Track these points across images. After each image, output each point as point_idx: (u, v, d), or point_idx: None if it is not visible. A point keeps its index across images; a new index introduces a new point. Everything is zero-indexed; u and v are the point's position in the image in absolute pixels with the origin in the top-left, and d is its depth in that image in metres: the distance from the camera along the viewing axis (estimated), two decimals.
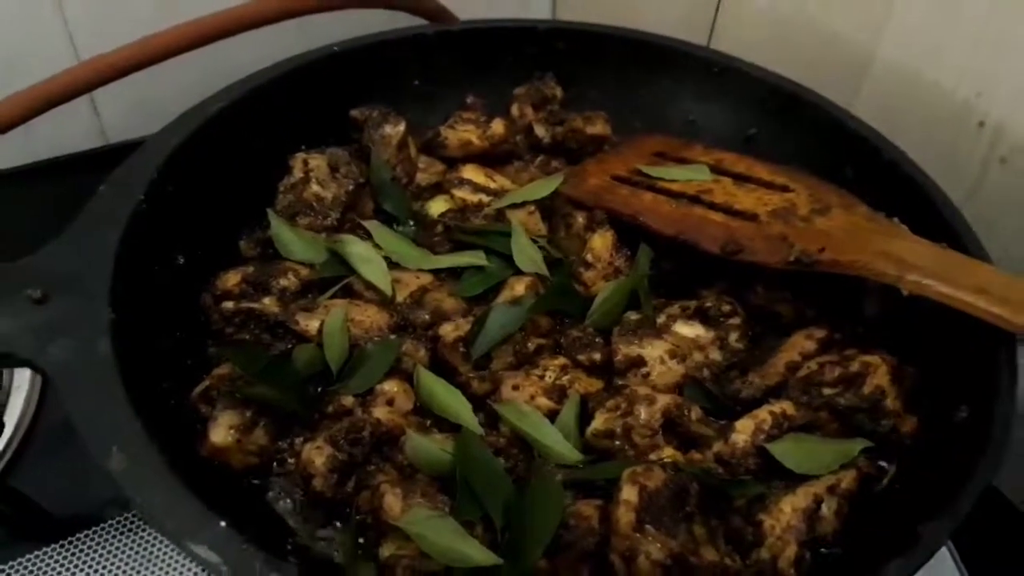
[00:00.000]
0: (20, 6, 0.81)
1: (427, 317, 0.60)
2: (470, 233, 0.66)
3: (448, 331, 0.59)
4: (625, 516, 0.48)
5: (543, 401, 0.56)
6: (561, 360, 0.59)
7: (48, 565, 0.60)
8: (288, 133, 0.70)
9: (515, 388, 0.56)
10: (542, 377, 0.57)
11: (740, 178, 0.68)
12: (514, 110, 0.77)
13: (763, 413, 0.55)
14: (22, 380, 0.69)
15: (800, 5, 0.82)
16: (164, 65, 0.77)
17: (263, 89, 0.69)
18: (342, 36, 0.76)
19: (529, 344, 0.59)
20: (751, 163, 0.69)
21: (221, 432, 0.52)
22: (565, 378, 0.58)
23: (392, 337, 0.59)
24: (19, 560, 0.60)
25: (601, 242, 0.65)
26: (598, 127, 0.76)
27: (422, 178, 0.73)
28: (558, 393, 0.57)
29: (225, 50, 0.79)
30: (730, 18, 0.89)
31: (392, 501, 0.49)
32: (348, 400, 0.55)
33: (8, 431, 0.66)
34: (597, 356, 0.59)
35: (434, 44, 0.78)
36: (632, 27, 0.80)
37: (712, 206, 0.66)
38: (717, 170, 0.69)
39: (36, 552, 0.60)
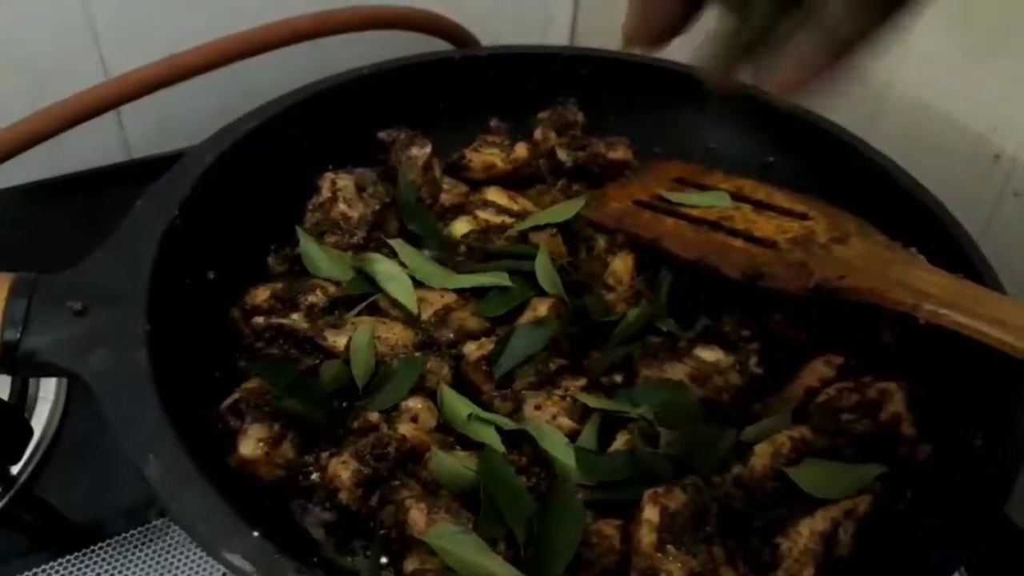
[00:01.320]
0: (52, 24, 0.83)
1: (451, 336, 0.61)
2: (493, 254, 0.67)
3: (472, 350, 0.60)
4: (646, 536, 0.49)
5: (565, 421, 0.57)
6: (582, 381, 0.60)
7: (71, 572, 0.60)
8: (316, 152, 0.71)
9: (537, 408, 0.57)
10: (564, 397, 0.58)
11: (760, 205, 0.69)
12: (537, 134, 0.79)
13: (782, 437, 0.56)
14: (48, 391, 0.70)
15: None
16: (188, 83, 0.79)
17: (294, 109, 0.70)
18: (365, 59, 0.77)
19: (551, 364, 0.60)
20: (771, 190, 0.70)
21: (250, 444, 0.53)
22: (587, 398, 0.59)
23: (417, 355, 0.60)
24: (41, 568, 0.60)
25: (622, 265, 0.66)
26: (620, 152, 0.77)
27: (446, 199, 0.74)
28: (579, 413, 0.58)
29: (249, 70, 0.81)
30: None
31: (417, 516, 0.50)
32: (374, 416, 0.56)
33: (34, 440, 0.67)
34: (619, 378, 0.60)
35: (460, 68, 0.79)
36: (652, 55, 0.82)
37: (732, 232, 0.67)
38: (737, 197, 0.70)
39: (57, 561, 0.61)
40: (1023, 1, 0.68)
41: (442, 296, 0.64)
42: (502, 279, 0.65)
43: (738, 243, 0.66)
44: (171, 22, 0.85)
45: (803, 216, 0.67)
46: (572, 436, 0.56)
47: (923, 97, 0.78)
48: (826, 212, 0.67)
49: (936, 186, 0.68)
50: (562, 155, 0.77)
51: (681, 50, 0.82)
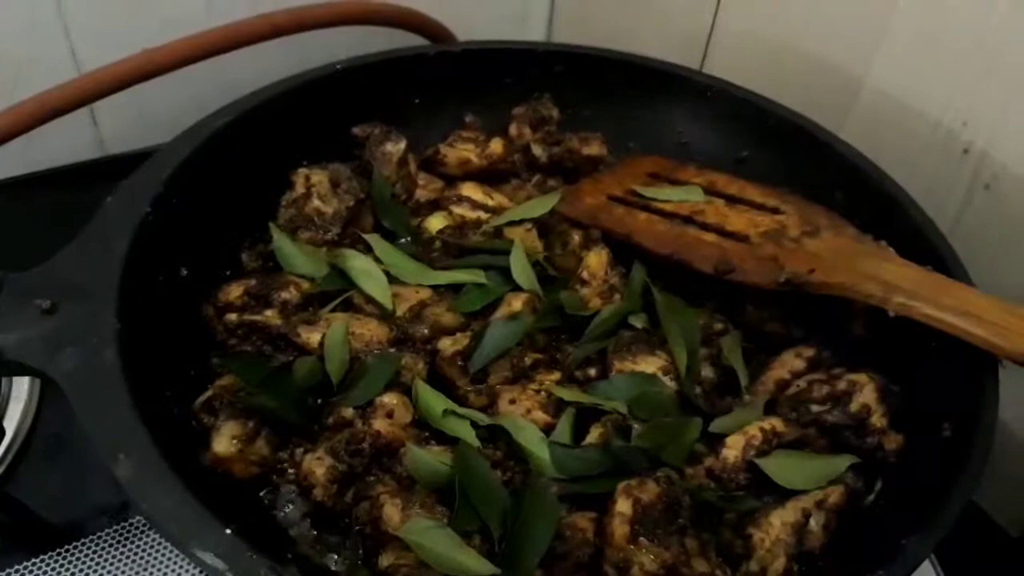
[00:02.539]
0: (24, 19, 0.81)
1: (426, 331, 0.61)
2: (468, 249, 0.67)
3: (447, 345, 0.60)
4: (620, 528, 0.49)
5: (539, 415, 0.57)
6: (557, 375, 0.60)
7: (47, 572, 0.60)
8: (291, 148, 0.71)
9: (512, 402, 0.58)
10: (538, 391, 0.59)
11: (732, 199, 0.70)
12: (512, 130, 0.79)
13: (753, 429, 0.56)
14: (20, 390, 0.70)
15: (791, 32, 0.85)
16: (164, 78, 0.79)
17: (267, 104, 0.70)
18: (340, 54, 0.77)
19: (526, 359, 0.60)
20: (743, 185, 0.71)
21: (224, 442, 0.53)
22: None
23: (392, 351, 0.60)
24: (15, 568, 0.60)
25: (596, 260, 0.66)
26: (594, 148, 0.77)
27: (421, 195, 0.74)
28: (554, 407, 0.58)
29: (224, 65, 0.80)
30: (723, 43, 0.91)
31: (391, 511, 0.50)
32: (348, 412, 0.56)
33: (7, 439, 0.66)
34: (592, 372, 0.61)
35: (435, 64, 0.79)
36: (628, 50, 0.82)
37: (704, 227, 0.67)
38: (710, 191, 0.71)
39: (31, 561, 0.60)
40: None
41: (417, 292, 0.64)
42: (477, 276, 0.65)
43: (710, 237, 0.66)
44: (146, 17, 0.84)
45: (775, 210, 0.67)
46: (547, 430, 0.57)
47: (894, 92, 0.79)
48: (798, 206, 0.67)
49: (907, 179, 0.69)
50: (537, 150, 0.77)
51: (655, 47, 0.83)
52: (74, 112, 0.78)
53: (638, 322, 0.63)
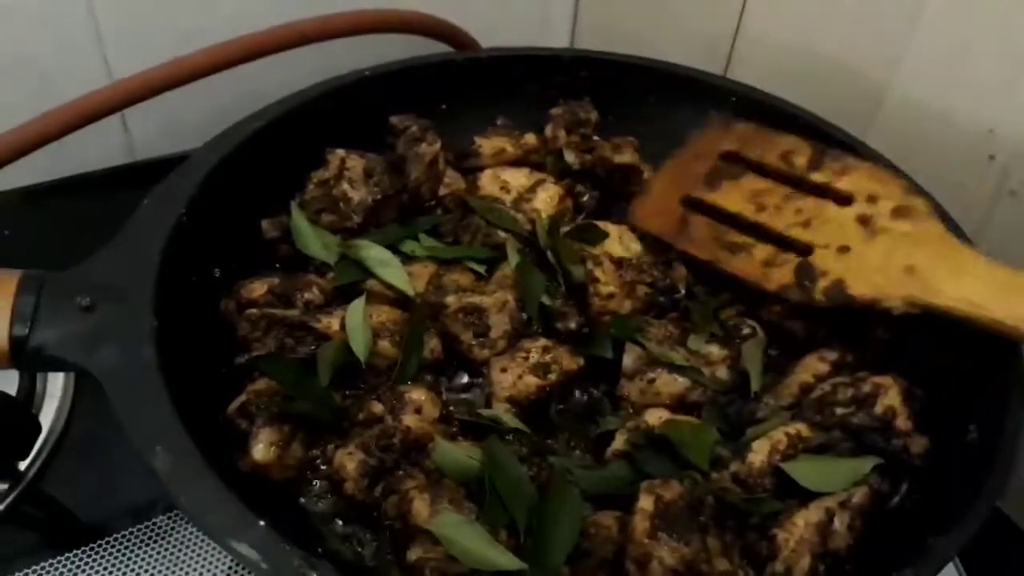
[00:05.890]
0: (57, 28, 0.83)
1: (451, 298, 0.63)
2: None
3: (451, 302, 0.62)
4: (640, 524, 0.50)
5: (531, 379, 0.60)
6: (543, 342, 0.63)
7: (78, 567, 0.61)
8: (319, 153, 0.72)
9: (503, 371, 0.60)
10: (527, 358, 0.61)
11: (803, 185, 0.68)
12: (548, 131, 0.79)
13: (778, 434, 0.56)
14: (55, 388, 0.71)
15: (815, 37, 0.85)
16: (193, 86, 0.80)
17: (299, 110, 0.71)
18: (363, 62, 0.78)
19: (522, 313, 0.64)
20: (844, 167, 0.68)
21: (262, 450, 0.54)
22: (548, 357, 0.61)
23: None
24: (49, 562, 0.61)
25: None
26: (626, 156, 0.77)
27: (443, 191, 0.74)
28: (543, 370, 0.61)
29: (252, 73, 0.82)
30: (747, 48, 0.91)
31: (420, 506, 0.51)
32: (378, 408, 0.57)
33: (42, 436, 0.67)
34: (572, 325, 0.64)
35: (462, 70, 0.80)
36: (651, 56, 0.82)
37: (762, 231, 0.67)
38: (788, 178, 0.69)
39: (64, 556, 0.62)
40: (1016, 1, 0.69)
41: (426, 266, 0.67)
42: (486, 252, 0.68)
43: (759, 252, 0.66)
44: (175, 25, 0.86)
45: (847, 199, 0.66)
46: (540, 391, 0.60)
47: (920, 97, 0.79)
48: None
49: (933, 185, 0.69)
50: (569, 157, 0.77)
51: (678, 52, 0.83)
52: (106, 118, 0.80)
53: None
